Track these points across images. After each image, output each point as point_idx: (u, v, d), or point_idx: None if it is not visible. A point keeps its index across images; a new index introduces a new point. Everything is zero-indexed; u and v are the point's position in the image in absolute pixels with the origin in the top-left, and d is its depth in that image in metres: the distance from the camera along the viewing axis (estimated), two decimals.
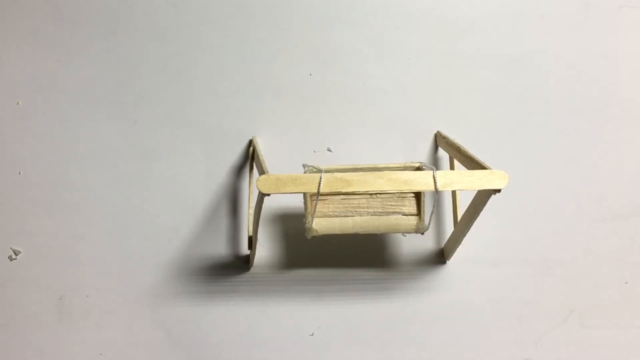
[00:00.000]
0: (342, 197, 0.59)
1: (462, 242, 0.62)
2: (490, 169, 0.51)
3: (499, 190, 0.50)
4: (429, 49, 0.70)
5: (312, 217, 0.57)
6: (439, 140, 0.70)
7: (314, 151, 0.69)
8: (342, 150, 0.69)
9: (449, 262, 0.67)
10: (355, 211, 0.60)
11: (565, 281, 0.67)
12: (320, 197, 0.59)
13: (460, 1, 0.70)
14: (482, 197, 0.53)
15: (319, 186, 0.48)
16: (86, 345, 0.63)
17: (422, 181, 0.50)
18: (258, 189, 0.49)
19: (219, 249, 0.66)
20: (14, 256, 0.63)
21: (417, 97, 0.70)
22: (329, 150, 0.69)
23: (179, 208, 0.67)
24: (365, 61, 0.70)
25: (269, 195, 0.50)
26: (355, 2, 0.70)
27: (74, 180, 0.67)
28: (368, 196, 0.59)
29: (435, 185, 0.50)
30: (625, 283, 0.68)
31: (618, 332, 0.67)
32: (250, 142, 0.69)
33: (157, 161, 0.67)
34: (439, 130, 0.70)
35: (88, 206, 0.66)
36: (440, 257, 0.68)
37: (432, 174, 0.50)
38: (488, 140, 0.70)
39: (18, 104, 0.68)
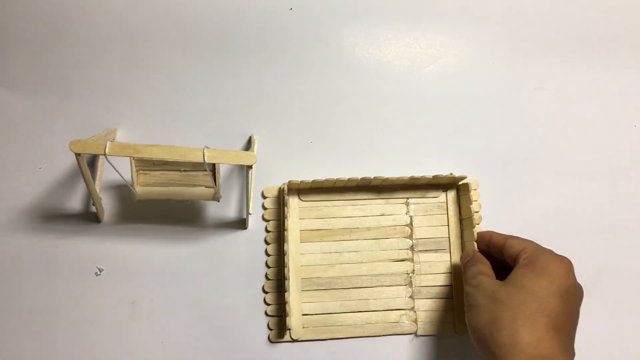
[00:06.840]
0: (160, 172, 0.77)
1: None
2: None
3: (250, 166, 0.68)
4: None
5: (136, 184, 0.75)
6: None
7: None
8: None
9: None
10: (169, 183, 0.78)
11: None
12: (144, 171, 0.77)
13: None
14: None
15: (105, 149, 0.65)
16: (151, 337, 0.79)
17: (195, 154, 0.66)
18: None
19: None
20: (99, 272, 0.81)
21: None
22: None
23: None
24: None
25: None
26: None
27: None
28: (180, 172, 0.77)
29: (204, 158, 0.67)
30: None
31: None
32: None
33: None
34: None
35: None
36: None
37: (202, 150, 0.67)
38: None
39: None
